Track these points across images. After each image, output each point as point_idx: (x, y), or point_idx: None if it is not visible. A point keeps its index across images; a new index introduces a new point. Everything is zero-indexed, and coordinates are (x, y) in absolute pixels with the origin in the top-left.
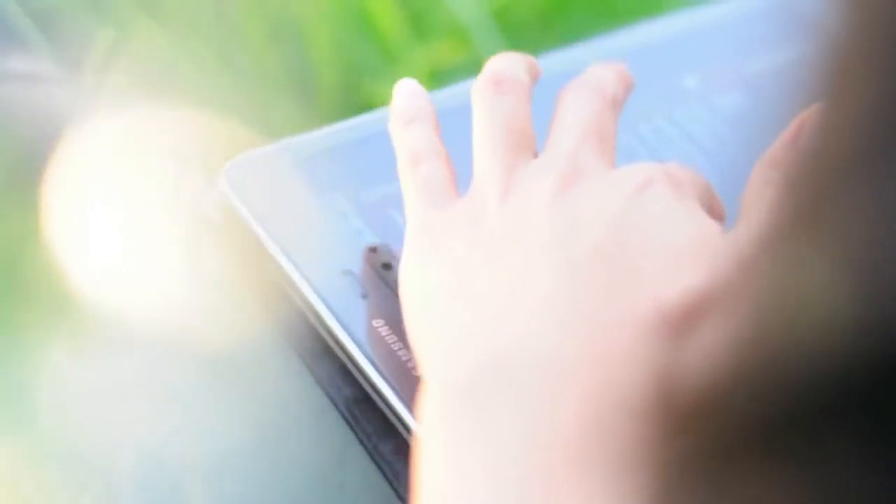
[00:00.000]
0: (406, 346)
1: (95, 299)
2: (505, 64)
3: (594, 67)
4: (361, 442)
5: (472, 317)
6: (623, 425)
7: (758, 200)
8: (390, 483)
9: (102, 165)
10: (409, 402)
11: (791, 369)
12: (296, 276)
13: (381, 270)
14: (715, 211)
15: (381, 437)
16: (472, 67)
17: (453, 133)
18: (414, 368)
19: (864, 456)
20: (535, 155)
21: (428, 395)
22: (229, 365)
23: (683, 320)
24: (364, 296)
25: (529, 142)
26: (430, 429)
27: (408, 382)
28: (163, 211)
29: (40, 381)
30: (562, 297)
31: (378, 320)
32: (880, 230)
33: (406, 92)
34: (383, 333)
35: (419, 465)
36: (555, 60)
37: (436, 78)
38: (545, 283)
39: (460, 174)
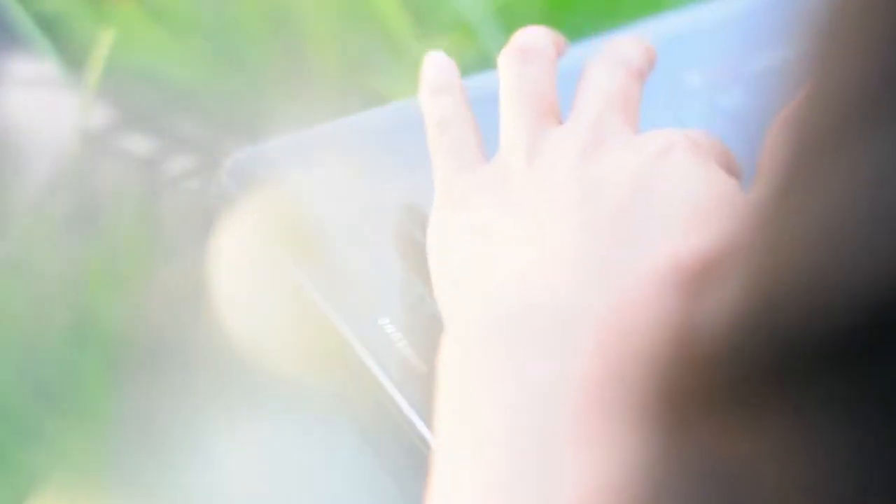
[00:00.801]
0: (419, 353)
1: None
2: (532, 35)
3: (618, 40)
4: None
5: (500, 272)
6: (642, 374)
7: (772, 158)
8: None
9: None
10: (427, 417)
11: (802, 323)
12: (306, 282)
13: None
14: (733, 173)
15: None
16: (476, 64)
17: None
18: (429, 376)
19: (874, 411)
20: (560, 123)
21: (450, 338)
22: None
23: (700, 275)
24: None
25: (554, 109)
26: (450, 369)
27: (424, 395)
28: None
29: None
30: (586, 254)
31: (384, 318)
32: (879, 186)
33: (436, 64)
34: (389, 332)
35: (437, 412)
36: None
37: None
38: (570, 241)
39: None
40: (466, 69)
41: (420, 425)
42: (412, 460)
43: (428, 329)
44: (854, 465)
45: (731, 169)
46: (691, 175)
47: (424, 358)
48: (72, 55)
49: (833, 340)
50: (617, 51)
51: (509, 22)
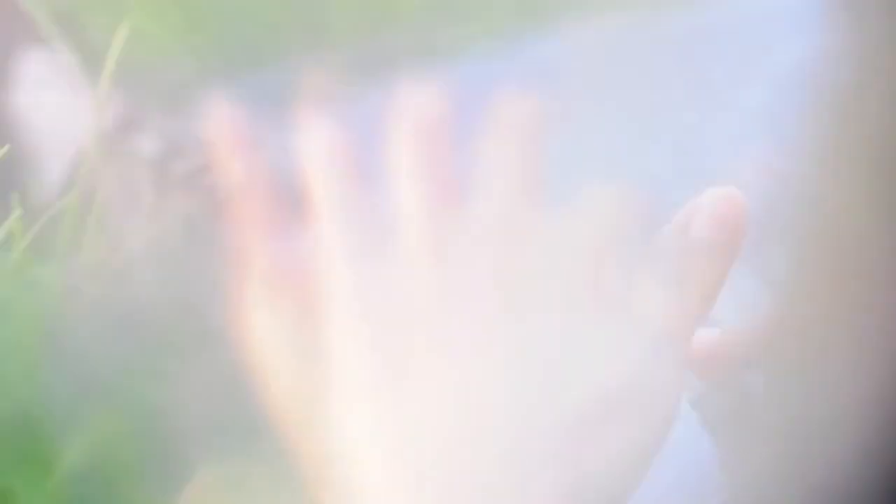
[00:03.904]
0: None
1: None
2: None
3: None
4: None
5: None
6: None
7: (651, 296)
8: None
9: None
10: None
11: None
12: None
13: None
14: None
15: None
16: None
17: None
18: None
19: None
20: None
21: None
22: None
23: (592, 425)
24: None
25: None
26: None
27: None
28: None
29: None
30: (484, 404)
31: None
32: None
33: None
34: None
35: None
36: (584, 54)
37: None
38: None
39: None
40: (482, 55)
41: None
42: None
43: None
44: None
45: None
46: (568, 319)
47: None
48: (87, 50)
49: None
50: (509, 116)
51: (538, 22)
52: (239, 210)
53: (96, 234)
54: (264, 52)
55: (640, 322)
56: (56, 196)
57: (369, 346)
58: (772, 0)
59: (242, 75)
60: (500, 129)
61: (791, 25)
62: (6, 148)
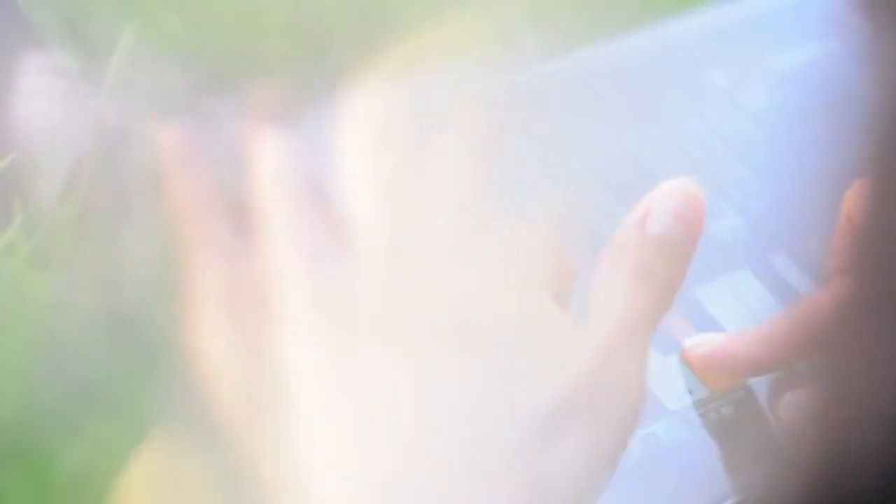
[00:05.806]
0: None
1: None
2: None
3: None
4: None
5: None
6: None
7: (609, 291)
8: None
9: None
10: None
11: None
12: None
13: None
14: (568, 273)
15: None
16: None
17: None
18: None
19: None
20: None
21: None
22: None
23: (552, 424)
24: None
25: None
26: None
27: None
28: None
29: None
30: (439, 408)
31: None
32: None
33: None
34: None
35: None
36: (588, 57)
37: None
38: (422, 389)
39: None
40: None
41: None
42: None
43: None
44: None
45: (565, 270)
46: (524, 314)
47: None
48: (89, 57)
49: None
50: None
51: (543, 24)
52: (189, 228)
53: (94, 242)
54: (269, 62)
55: (598, 319)
56: (56, 203)
57: (325, 357)
58: (774, 3)
59: (246, 85)
60: (452, 130)
61: (794, 29)
62: (12, 155)
